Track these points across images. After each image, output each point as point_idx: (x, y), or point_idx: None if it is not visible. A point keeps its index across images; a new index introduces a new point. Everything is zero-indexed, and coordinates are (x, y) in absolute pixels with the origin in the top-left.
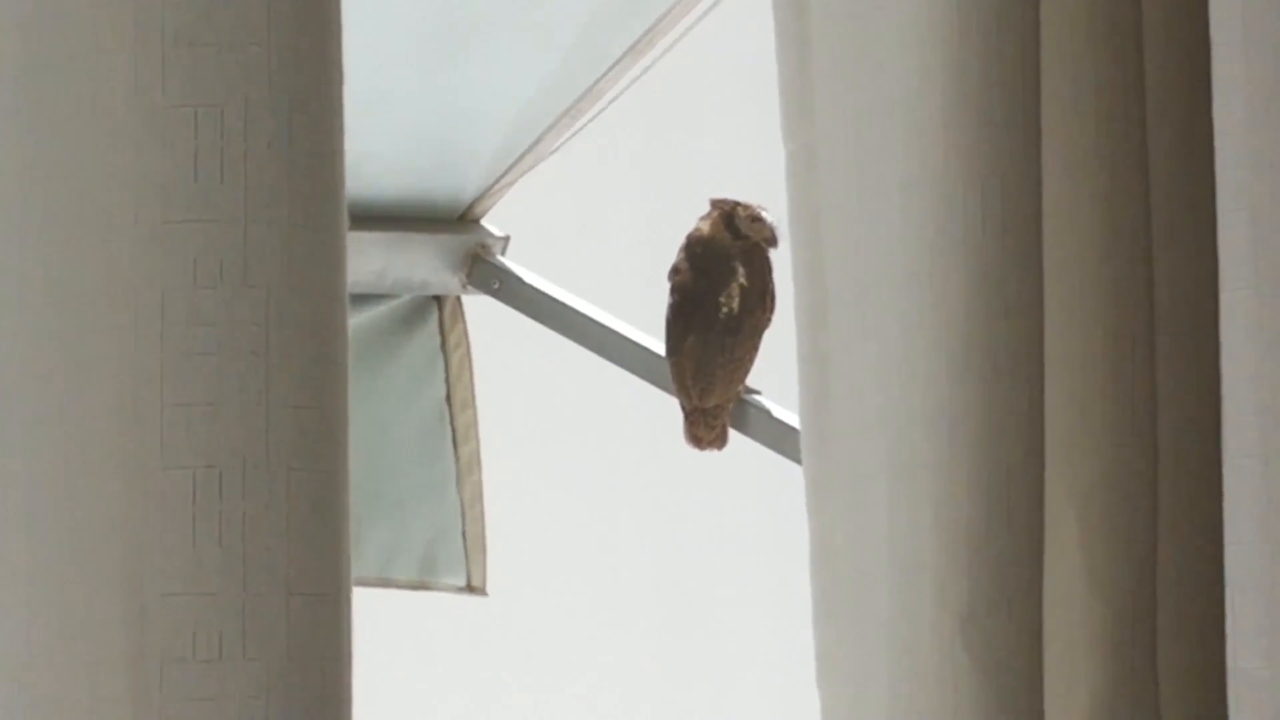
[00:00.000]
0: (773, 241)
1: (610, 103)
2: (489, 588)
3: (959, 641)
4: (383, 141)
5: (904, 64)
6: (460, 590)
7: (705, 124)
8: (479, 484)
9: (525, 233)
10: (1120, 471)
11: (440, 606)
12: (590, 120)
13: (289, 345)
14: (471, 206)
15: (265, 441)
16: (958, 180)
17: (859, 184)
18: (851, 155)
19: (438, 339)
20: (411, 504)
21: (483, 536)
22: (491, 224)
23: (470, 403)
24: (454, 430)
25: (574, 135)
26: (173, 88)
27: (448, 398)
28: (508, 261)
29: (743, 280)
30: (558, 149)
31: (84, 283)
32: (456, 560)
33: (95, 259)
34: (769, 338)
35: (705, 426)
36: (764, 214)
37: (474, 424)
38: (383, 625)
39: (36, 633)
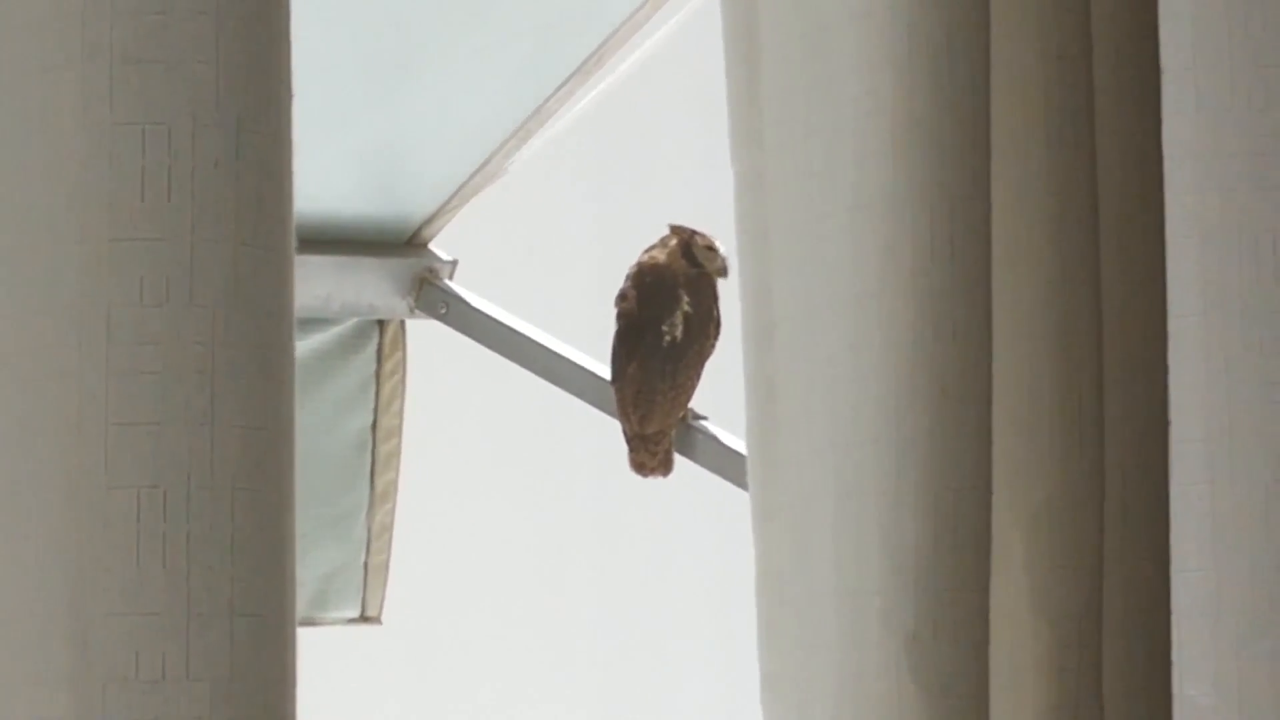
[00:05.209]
0: (723, 272)
1: (558, 127)
2: (436, 617)
3: (905, 665)
4: (329, 164)
5: (854, 87)
6: (352, 621)
7: (654, 147)
8: (391, 513)
9: (474, 257)
10: (1067, 496)
11: (371, 636)
12: (540, 144)
13: (235, 365)
14: (420, 230)
15: (210, 461)
16: (906, 203)
17: (807, 206)
18: (800, 177)
19: (373, 365)
20: (313, 538)
21: (385, 566)
22: (440, 248)
23: (396, 431)
24: (374, 459)
25: (524, 158)
26: (120, 105)
27: (373, 426)
28: (456, 286)
29: (687, 308)
30: (507, 171)
31: (29, 300)
32: (352, 592)
33: (41, 277)
34: (720, 364)
35: (647, 453)
36: (718, 244)
37: (396, 453)
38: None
39: None
